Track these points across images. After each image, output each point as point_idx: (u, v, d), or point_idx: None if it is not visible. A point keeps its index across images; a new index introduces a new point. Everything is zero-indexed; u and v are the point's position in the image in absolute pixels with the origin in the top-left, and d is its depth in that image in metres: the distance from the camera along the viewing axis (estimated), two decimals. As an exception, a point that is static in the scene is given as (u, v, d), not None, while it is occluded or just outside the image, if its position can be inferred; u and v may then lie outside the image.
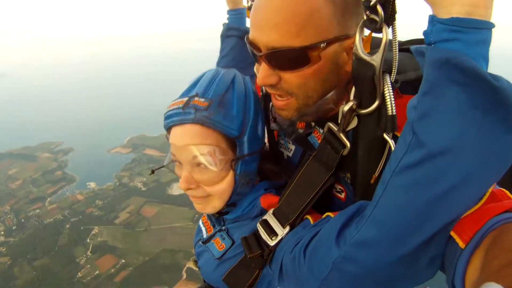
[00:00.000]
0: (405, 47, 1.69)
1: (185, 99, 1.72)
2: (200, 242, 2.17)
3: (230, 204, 1.96)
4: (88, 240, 76.74)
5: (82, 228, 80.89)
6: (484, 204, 1.16)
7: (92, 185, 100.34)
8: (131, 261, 69.42)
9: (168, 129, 1.82)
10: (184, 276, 60.07)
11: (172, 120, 1.73)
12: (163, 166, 2.04)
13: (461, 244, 1.12)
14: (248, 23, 1.91)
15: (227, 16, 2.94)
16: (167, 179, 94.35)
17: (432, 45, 1.05)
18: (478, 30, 1.00)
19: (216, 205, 1.91)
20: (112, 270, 67.59)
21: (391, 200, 1.16)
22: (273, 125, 2.06)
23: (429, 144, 1.03)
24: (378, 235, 1.19)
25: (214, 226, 2.16)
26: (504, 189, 1.22)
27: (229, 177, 1.83)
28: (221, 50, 2.95)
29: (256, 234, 1.77)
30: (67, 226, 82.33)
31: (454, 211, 1.09)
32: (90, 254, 72.44)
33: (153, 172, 2.17)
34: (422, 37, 1.12)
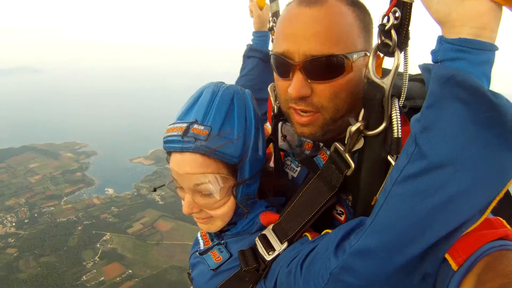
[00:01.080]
0: (415, 77, 1.81)
1: (184, 125, 1.71)
2: (197, 253, 2.14)
3: (231, 223, 1.97)
4: (98, 245, 76.52)
5: (94, 232, 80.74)
6: (480, 229, 1.18)
7: (110, 191, 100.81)
8: (138, 272, 68.78)
9: (168, 152, 1.83)
10: (191, 295, 58.35)
11: (173, 146, 1.73)
12: (163, 185, 2.11)
13: (454, 266, 1.14)
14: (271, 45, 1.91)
15: (252, 37, 3.05)
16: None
17: (439, 63, 1.11)
18: (483, 51, 1.06)
19: (219, 225, 1.94)
20: (118, 279, 67.05)
21: (391, 209, 1.19)
22: (282, 144, 2.12)
23: (430, 156, 1.07)
24: (377, 244, 1.21)
25: (212, 239, 2.14)
26: (500, 218, 1.25)
27: (231, 201, 1.85)
28: (242, 69, 3.00)
29: (253, 248, 1.79)
30: (79, 228, 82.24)
31: (452, 222, 1.11)
32: (97, 259, 72.02)
33: (155, 190, 2.23)
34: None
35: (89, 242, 76.91)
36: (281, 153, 2.20)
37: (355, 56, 1.53)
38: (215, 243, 2.06)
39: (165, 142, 1.76)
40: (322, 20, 1.49)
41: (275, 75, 1.75)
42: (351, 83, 1.57)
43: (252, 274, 1.74)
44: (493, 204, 1.10)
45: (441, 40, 1.12)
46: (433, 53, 1.14)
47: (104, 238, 78.58)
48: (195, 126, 1.68)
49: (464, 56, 1.06)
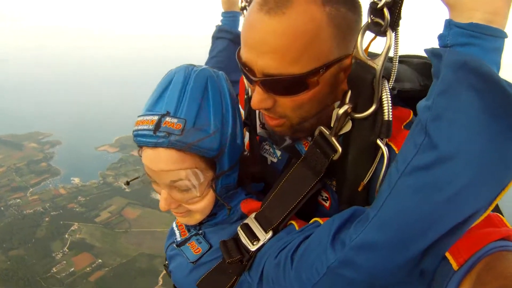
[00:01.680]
0: (401, 59, 1.75)
1: (156, 118, 1.57)
2: (174, 245, 2.05)
3: (211, 214, 1.90)
4: (66, 236, 76.16)
5: (61, 222, 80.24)
6: (481, 227, 1.16)
7: (76, 180, 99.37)
8: (107, 261, 69.06)
9: (139, 146, 1.71)
10: (160, 282, 60.16)
11: (144, 141, 1.60)
12: (137, 178, 2.00)
13: (455, 266, 1.11)
14: (241, 26, 1.78)
15: (221, 18, 2.90)
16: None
17: (449, 48, 1.06)
18: (494, 38, 1.03)
19: (198, 218, 1.87)
20: (88, 269, 67.15)
21: (397, 202, 1.13)
22: (260, 131, 1.99)
23: (441, 146, 1.01)
24: (381, 238, 1.15)
25: (189, 230, 2.06)
26: (499, 215, 1.23)
27: (210, 194, 1.77)
28: (211, 51, 2.89)
29: (236, 238, 1.72)
30: (47, 219, 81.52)
31: (460, 215, 1.06)
32: (67, 250, 71.83)
33: (128, 183, 2.08)
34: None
35: (57, 233, 76.57)
36: (257, 137, 2.10)
37: (322, 70, 1.42)
38: (193, 233, 1.99)
39: (135, 136, 1.64)
40: (283, 34, 1.35)
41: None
42: (317, 95, 1.50)
43: (236, 265, 1.66)
44: (500, 196, 1.06)
45: (450, 24, 1.07)
46: (441, 37, 1.10)
47: (72, 228, 78.07)
48: (168, 119, 1.55)
49: (476, 42, 1.02)
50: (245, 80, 1.82)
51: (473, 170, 0.99)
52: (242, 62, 1.53)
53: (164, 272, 2.23)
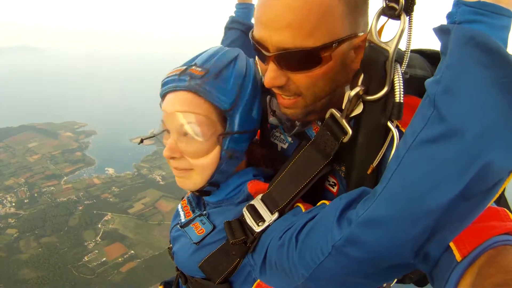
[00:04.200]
0: (414, 50, 1.76)
1: (184, 67, 1.70)
2: (178, 226, 2.04)
3: (212, 183, 1.84)
4: (99, 225, 76.50)
5: (95, 212, 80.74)
6: (488, 220, 1.18)
7: (110, 171, 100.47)
8: (140, 253, 68.69)
9: (163, 96, 1.77)
10: (194, 277, 58.09)
11: (167, 87, 1.70)
12: (153, 136, 1.94)
13: (458, 257, 1.12)
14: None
15: (235, 9, 2.99)
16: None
17: (457, 24, 1.07)
18: (501, 16, 1.08)
19: (197, 181, 1.80)
20: (120, 260, 67.00)
21: (405, 176, 1.11)
22: (271, 119, 2.03)
23: (450, 119, 1.01)
24: (388, 213, 1.13)
25: (193, 211, 2.05)
26: (507, 210, 1.23)
27: (215, 152, 1.74)
28: (223, 41, 2.92)
29: (240, 219, 1.69)
30: (80, 208, 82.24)
31: (469, 191, 1.03)
32: (99, 240, 71.95)
33: (142, 141, 2.01)
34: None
35: (90, 222, 76.96)
36: (267, 124, 2.09)
37: (335, 45, 1.45)
38: (197, 214, 1.97)
39: (162, 85, 1.74)
40: (298, 8, 1.38)
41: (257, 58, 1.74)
42: (330, 72, 1.52)
43: (239, 247, 1.63)
44: (509, 179, 1.06)
45: (458, 2, 1.11)
46: (450, 15, 1.14)
47: (105, 218, 78.57)
48: (193, 67, 1.67)
49: (483, 19, 1.07)
50: (257, 61, 1.80)
51: (483, 144, 0.98)
52: (256, 40, 1.56)
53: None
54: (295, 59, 1.48)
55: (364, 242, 1.17)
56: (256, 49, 1.59)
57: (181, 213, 2.09)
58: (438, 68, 1.07)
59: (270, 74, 1.53)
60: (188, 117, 1.65)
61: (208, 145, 1.70)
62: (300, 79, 1.53)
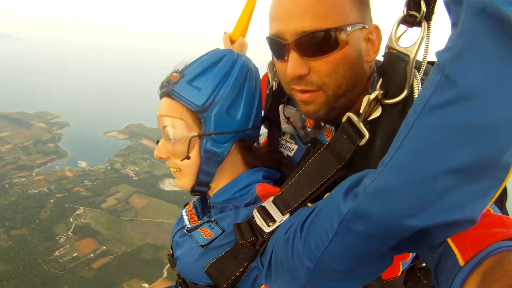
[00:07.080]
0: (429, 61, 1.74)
1: (169, 73, 1.83)
2: (184, 230, 2.00)
3: (201, 183, 1.89)
4: (71, 219, 76.34)
5: (66, 205, 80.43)
6: (492, 227, 1.20)
7: (83, 164, 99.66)
8: (112, 249, 68.90)
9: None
10: (165, 274, 59.58)
11: (160, 92, 1.83)
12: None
13: (461, 262, 1.13)
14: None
15: None
16: (160, 172, 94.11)
17: None
18: None
19: (186, 181, 1.89)
20: (92, 255, 67.01)
21: (415, 142, 1.10)
22: (285, 127, 2.05)
23: (461, 84, 0.99)
24: (397, 180, 1.12)
25: (198, 216, 2.07)
26: (511, 218, 1.26)
27: (194, 153, 1.81)
28: None
29: (250, 221, 1.67)
30: (52, 200, 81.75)
31: (481, 157, 1.02)
32: (71, 234, 71.89)
33: (157, 142, 1.97)
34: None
35: (62, 216, 76.68)
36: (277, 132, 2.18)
37: (349, 28, 1.51)
38: (205, 220, 1.95)
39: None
40: None
41: (274, 58, 1.77)
42: (348, 57, 1.55)
43: (248, 250, 1.62)
44: None
45: None
46: None
47: (77, 212, 78.46)
48: (174, 74, 1.78)
49: None
50: (274, 61, 1.81)
51: (495, 110, 0.98)
52: (273, 34, 1.60)
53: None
54: (314, 42, 1.52)
55: (371, 214, 1.16)
56: (273, 44, 1.65)
57: (185, 218, 2.12)
58: (449, 39, 1.06)
59: (292, 64, 1.57)
60: (166, 121, 1.77)
61: (185, 146, 1.78)
62: (321, 66, 1.56)
